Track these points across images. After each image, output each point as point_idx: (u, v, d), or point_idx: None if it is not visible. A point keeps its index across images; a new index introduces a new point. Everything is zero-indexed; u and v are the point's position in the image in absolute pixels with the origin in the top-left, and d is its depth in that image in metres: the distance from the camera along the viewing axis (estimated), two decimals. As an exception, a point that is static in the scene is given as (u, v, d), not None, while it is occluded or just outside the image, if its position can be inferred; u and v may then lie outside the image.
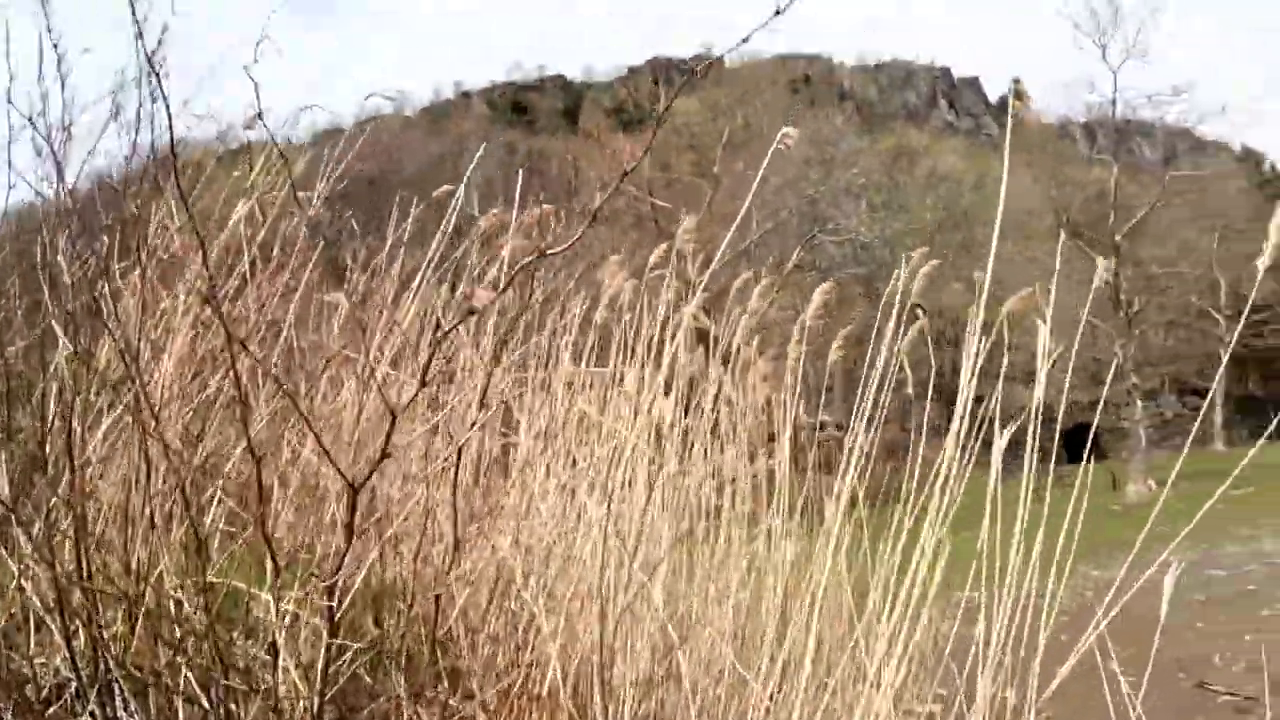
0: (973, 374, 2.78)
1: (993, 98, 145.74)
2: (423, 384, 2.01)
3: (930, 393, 3.16)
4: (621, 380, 3.17)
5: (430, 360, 2.04)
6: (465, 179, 3.39)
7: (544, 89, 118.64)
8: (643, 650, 2.61)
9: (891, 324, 3.12)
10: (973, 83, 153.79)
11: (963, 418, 2.77)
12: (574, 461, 3.11)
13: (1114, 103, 30.47)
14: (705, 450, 3.18)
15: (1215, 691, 7.66)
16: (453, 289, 3.34)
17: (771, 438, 3.30)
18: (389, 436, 1.84)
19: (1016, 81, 2.20)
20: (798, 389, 3.29)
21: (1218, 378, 51.20)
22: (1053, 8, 31.74)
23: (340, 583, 1.92)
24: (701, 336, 3.42)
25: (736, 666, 2.66)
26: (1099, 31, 29.52)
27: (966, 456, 2.81)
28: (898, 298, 3.15)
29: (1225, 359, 50.85)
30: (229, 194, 3.27)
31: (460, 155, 50.53)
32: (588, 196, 37.64)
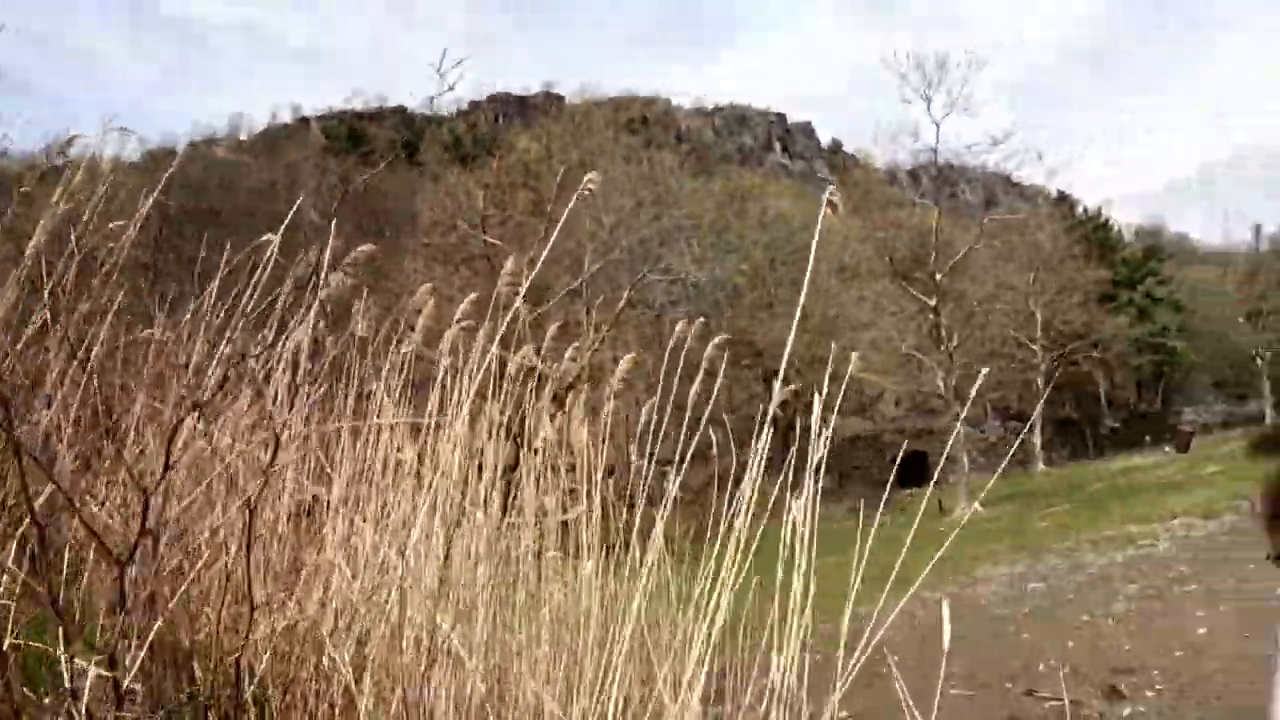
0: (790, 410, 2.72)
1: (825, 142, 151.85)
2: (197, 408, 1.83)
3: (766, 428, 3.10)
4: (437, 426, 3.02)
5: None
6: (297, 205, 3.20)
7: (383, 119, 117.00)
8: (462, 702, 2.54)
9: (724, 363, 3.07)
10: (806, 127, 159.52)
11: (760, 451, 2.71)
12: (386, 512, 2.97)
13: (935, 151, 31.97)
14: (532, 492, 3.13)
15: (1042, 698, 7.88)
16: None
17: (611, 472, 3.25)
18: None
19: (831, 192, 2.14)
20: (627, 428, 3.20)
21: (1039, 407, 54.23)
22: (883, 58, 33.02)
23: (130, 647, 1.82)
24: (531, 377, 3.34)
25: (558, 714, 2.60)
26: (924, 84, 30.92)
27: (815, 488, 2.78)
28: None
29: (1043, 386, 54.11)
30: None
31: (293, 184, 49.23)
32: (423, 233, 37.04)
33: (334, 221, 3.30)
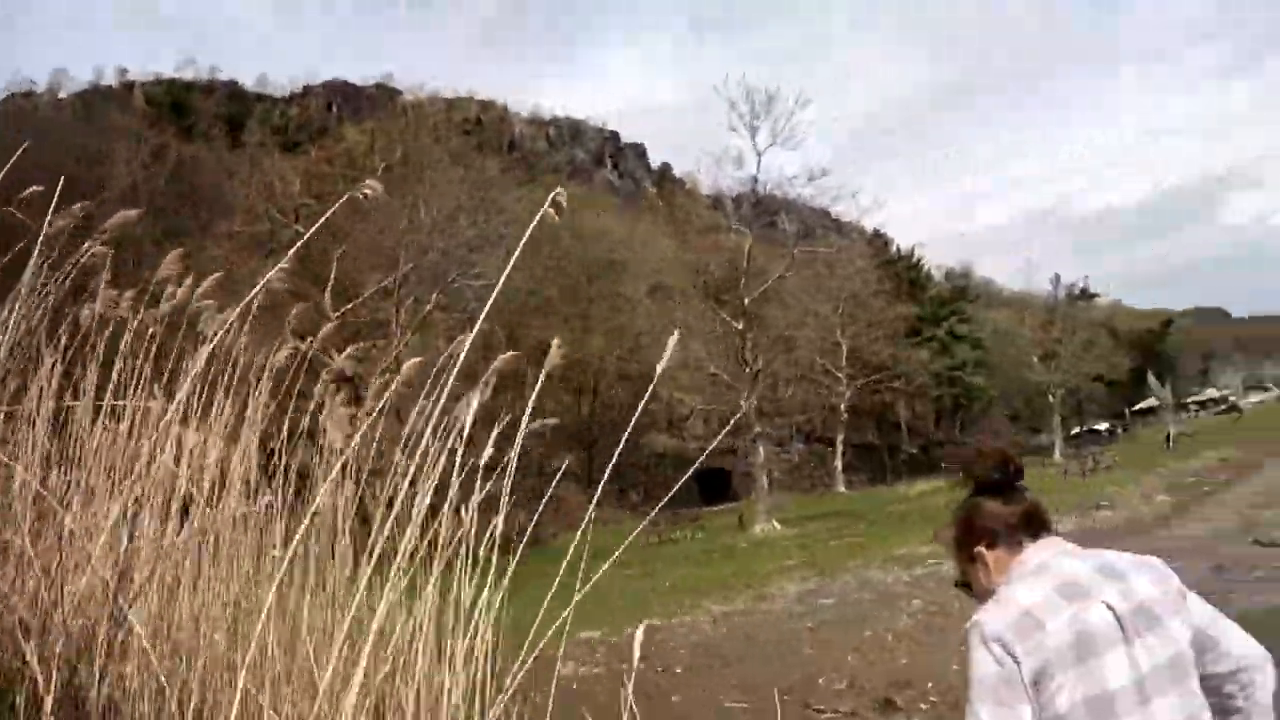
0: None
1: (655, 164, 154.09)
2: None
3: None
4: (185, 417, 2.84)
5: None
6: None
7: (212, 92, 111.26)
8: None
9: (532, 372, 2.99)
10: (638, 148, 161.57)
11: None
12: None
13: (755, 180, 32.73)
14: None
15: (819, 711, 8.12)
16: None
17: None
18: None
19: (557, 193, 2.12)
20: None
21: (841, 432, 56.33)
22: (715, 86, 33.55)
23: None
24: (342, 379, 3.23)
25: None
26: (751, 115, 31.62)
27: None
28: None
29: (846, 412, 56.20)
30: None
31: (108, 150, 46.21)
32: (237, 217, 35.37)
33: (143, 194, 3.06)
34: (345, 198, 2.71)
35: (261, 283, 2.81)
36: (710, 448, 20.92)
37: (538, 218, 2.28)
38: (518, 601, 2.92)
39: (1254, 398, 79.42)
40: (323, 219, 2.86)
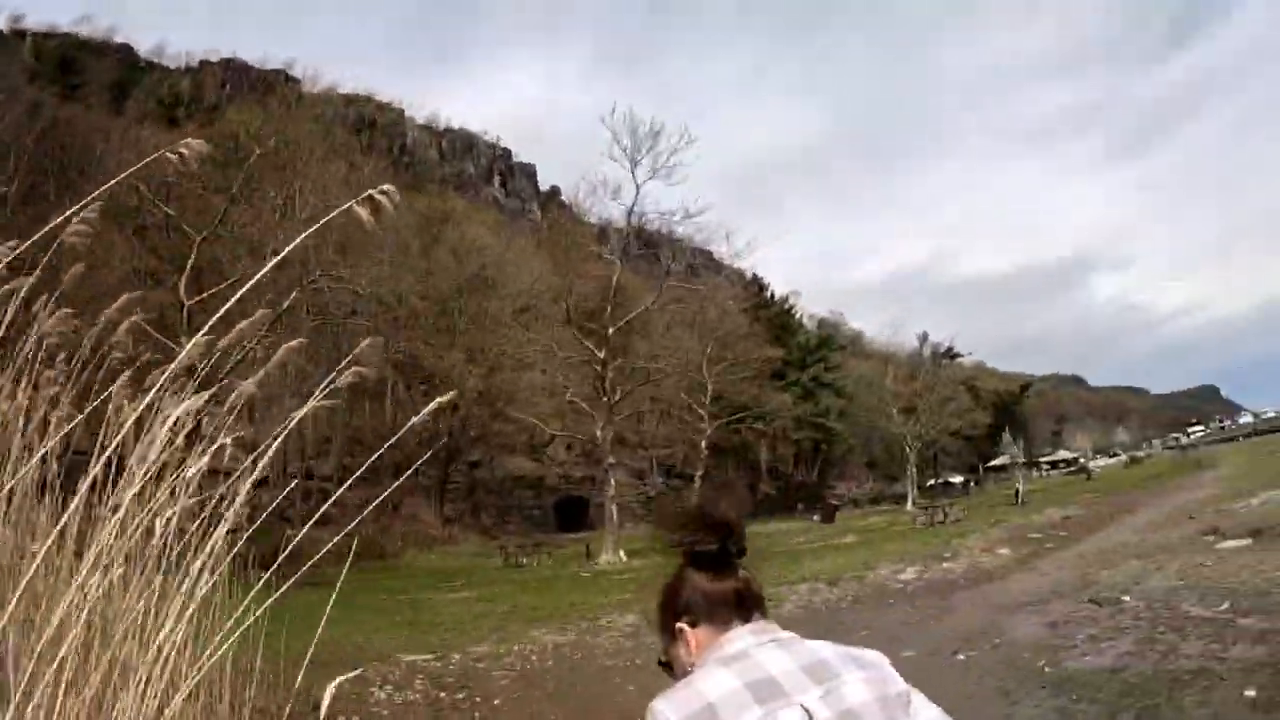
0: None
1: (544, 186, 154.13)
2: None
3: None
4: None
5: None
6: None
7: (105, 54, 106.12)
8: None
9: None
10: (528, 169, 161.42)
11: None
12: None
13: (631, 211, 32.65)
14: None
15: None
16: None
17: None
18: None
19: (385, 189, 1.67)
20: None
21: (700, 468, 56.60)
22: (601, 115, 33.40)
23: None
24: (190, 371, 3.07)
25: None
26: (634, 147, 31.52)
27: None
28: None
29: (706, 449, 56.71)
30: None
31: None
32: (105, 189, 33.49)
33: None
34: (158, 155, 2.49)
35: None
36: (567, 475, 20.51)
37: (349, 205, 2.14)
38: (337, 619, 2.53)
39: (1102, 461, 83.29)
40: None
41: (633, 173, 31.86)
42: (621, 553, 28.99)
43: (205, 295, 26.98)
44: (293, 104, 49.82)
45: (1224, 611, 9.82)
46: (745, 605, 1.81)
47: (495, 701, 9.43)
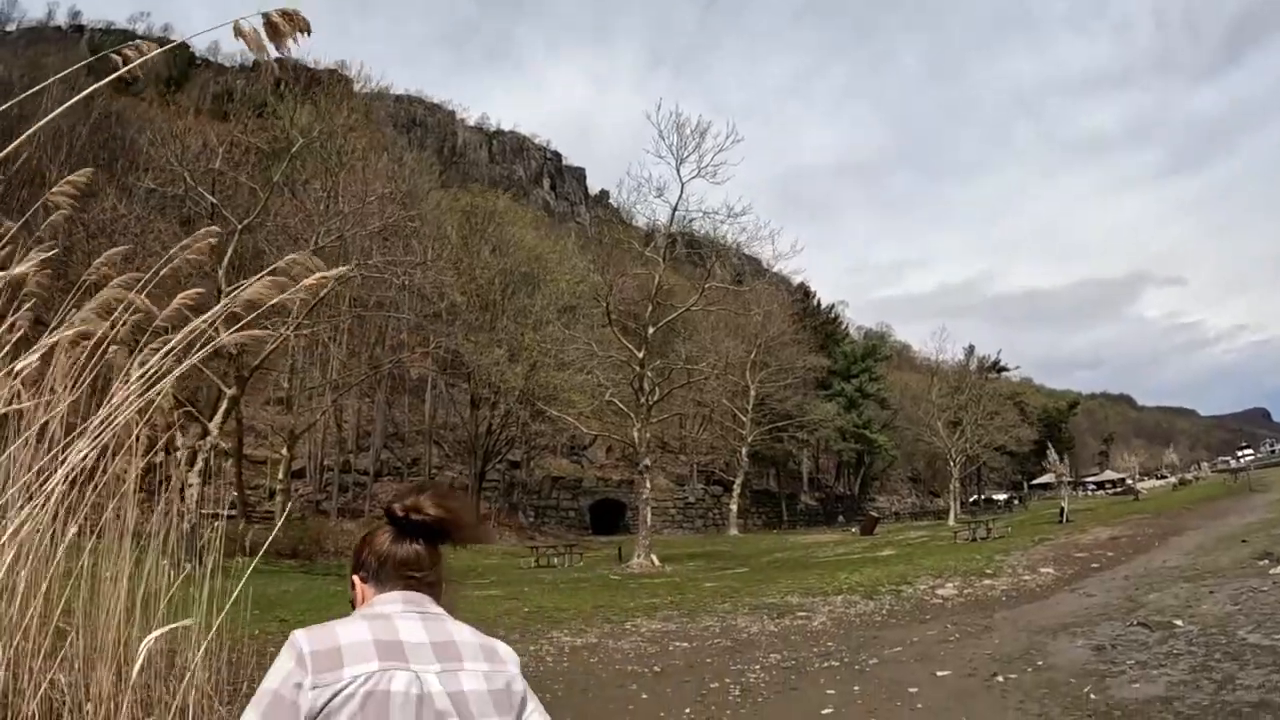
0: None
1: (593, 190, 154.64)
2: None
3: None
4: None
5: None
6: None
7: (159, 49, 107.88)
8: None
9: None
10: (578, 173, 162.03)
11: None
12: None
13: (675, 208, 32.29)
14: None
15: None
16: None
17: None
18: None
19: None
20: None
21: (740, 475, 56.18)
22: (647, 113, 33.25)
23: None
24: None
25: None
26: (680, 144, 31.16)
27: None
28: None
29: (746, 457, 56.26)
30: None
31: (39, 94, 44.27)
32: (151, 177, 33.87)
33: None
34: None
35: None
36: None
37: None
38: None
39: (1149, 483, 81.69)
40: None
41: (678, 170, 31.43)
42: (654, 556, 28.66)
43: (241, 285, 26.89)
44: (342, 100, 50.12)
45: (1284, 640, 9.27)
46: (410, 578, 1.94)
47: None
